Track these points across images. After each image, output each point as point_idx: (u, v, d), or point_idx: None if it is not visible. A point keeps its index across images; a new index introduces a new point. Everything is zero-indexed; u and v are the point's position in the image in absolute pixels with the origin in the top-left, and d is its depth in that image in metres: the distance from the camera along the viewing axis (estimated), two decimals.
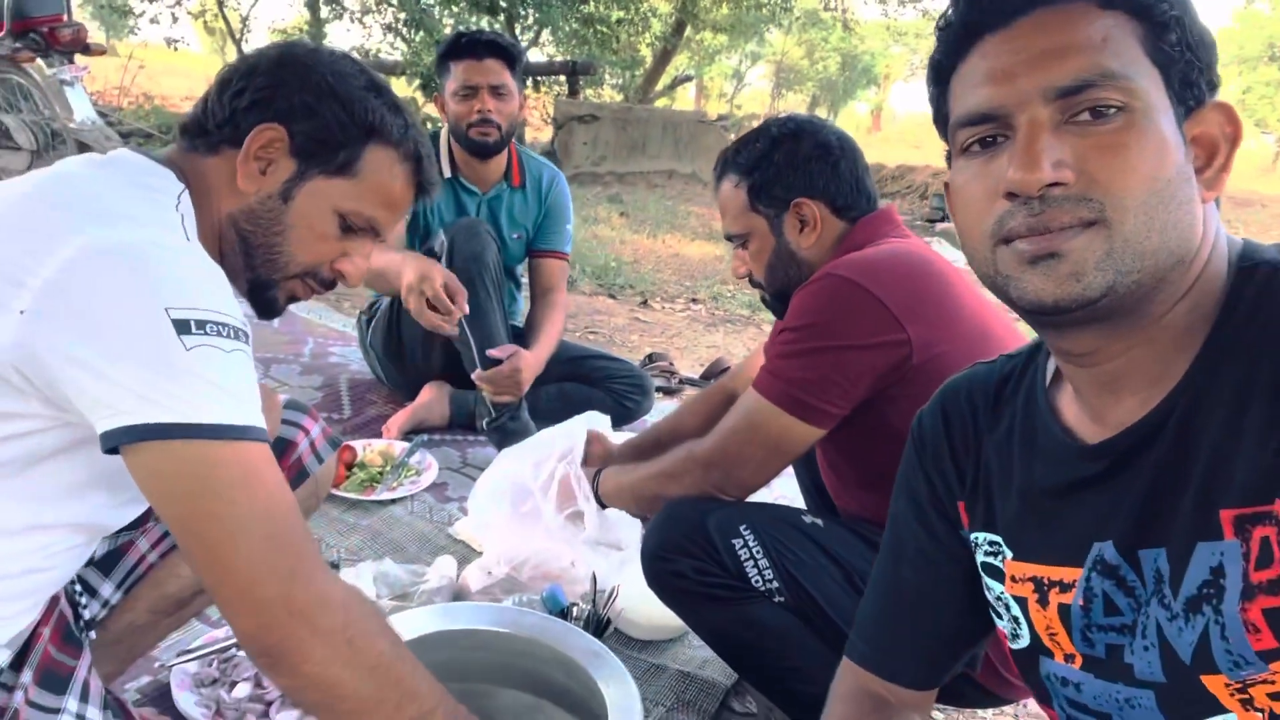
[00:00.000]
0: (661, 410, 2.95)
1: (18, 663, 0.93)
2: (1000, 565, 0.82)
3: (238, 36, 10.89)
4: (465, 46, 2.40)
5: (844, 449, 1.45)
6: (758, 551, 1.33)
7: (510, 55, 2.44)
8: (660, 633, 1.77)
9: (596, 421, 1.92)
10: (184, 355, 0.79)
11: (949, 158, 0.77)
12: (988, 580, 0.84)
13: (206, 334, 0.80)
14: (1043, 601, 0.78)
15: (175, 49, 10.61)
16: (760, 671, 1.44)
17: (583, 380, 2.68)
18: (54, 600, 1.00)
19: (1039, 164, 0.66)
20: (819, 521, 1.40)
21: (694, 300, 5.07)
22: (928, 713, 0.97)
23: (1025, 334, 1.41)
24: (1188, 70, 0.68)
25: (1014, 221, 0.68)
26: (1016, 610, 0.81)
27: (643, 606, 1.67)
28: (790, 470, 1.66)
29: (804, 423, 1.33)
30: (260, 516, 0.81)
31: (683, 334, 4.32)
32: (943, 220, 8.75)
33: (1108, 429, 0.73)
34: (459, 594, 1.76)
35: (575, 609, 1.66)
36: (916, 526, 0.93)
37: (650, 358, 3.44)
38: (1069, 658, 0.77)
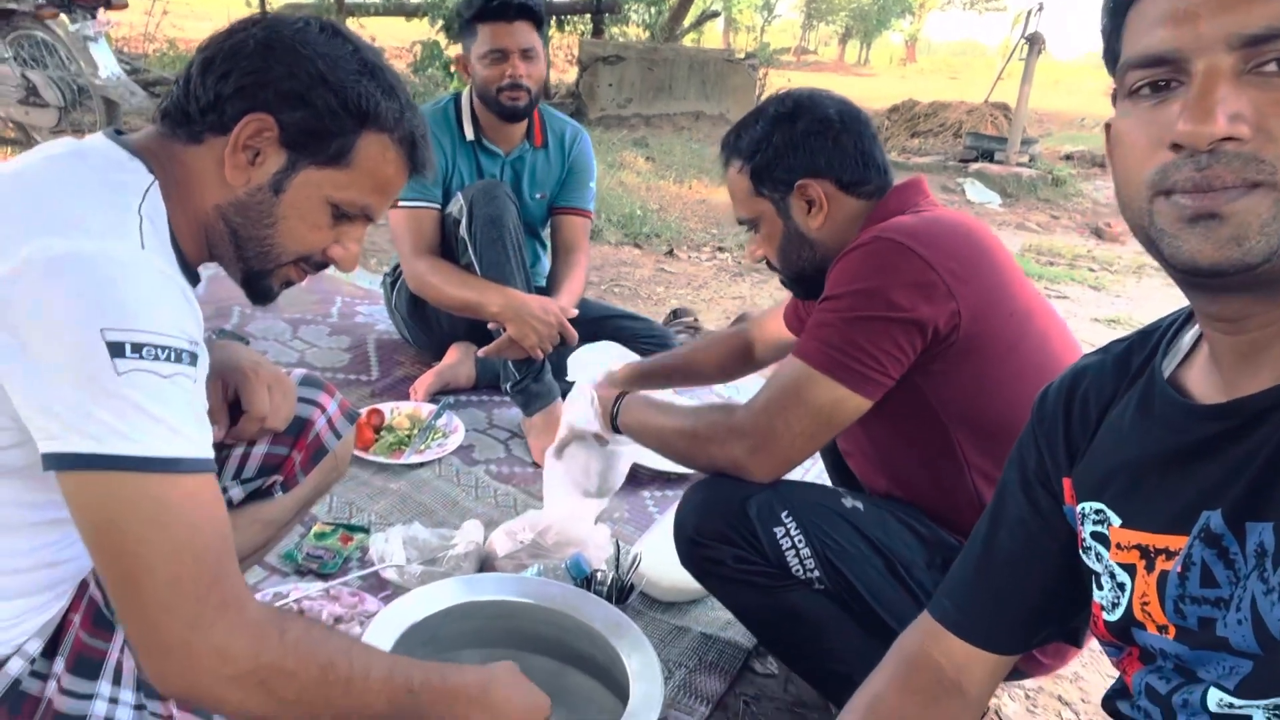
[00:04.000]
0: None
1: (49, 650, 0.95)
2: (1106, 532, 0.82)
3: None
4: (494, 9, 2.36)
5: (874, 426, 1.40)
6: (799, 540, 1.30)
7: (537, 16, 2.41)
8: (683, 594, 1.80)
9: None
10: (114, 380, 0.76)
11: (1114, 97, 0.72)
12: (1097, 549, 0.83)
13: (142, 358, 0.78)
14: (1150, 568, 0.77)
15: None
16: (793, 652, 1.44)
17: (605, 340, 2.69)
18: (83, 585, 1.01)
19: (1213, 116, 0.61)
20: (859, 505, 1.37)
21: (720, 248, 5.03)
22: (982, 701, 0.97)
23: (1066, 320, 1.39)
24: None
25: (1178, 175, 0.64)
26: (1124, 577, 0.80)
27: (666, 569, 1.70)
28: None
29: (855, 392, 1.27)
30: (170, 557, 0.78)
31: (708, 285, 4.30)
32: (975, 160, 8.56)
33: (1237, 396, 0.71)
34: (485, 559, 1.81)
35: (599, 575, 1.69)
36: (1020, 495, 0.93)
37: (675, 314, 3.44)
38: (1161, 629, 0.76)
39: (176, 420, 0.80)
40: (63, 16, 4.37)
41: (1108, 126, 0.74)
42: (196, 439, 0.82)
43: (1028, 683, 1.70)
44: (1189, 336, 0.82)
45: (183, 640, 0.78)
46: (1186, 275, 0.68)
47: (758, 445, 1.32)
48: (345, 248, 1.05)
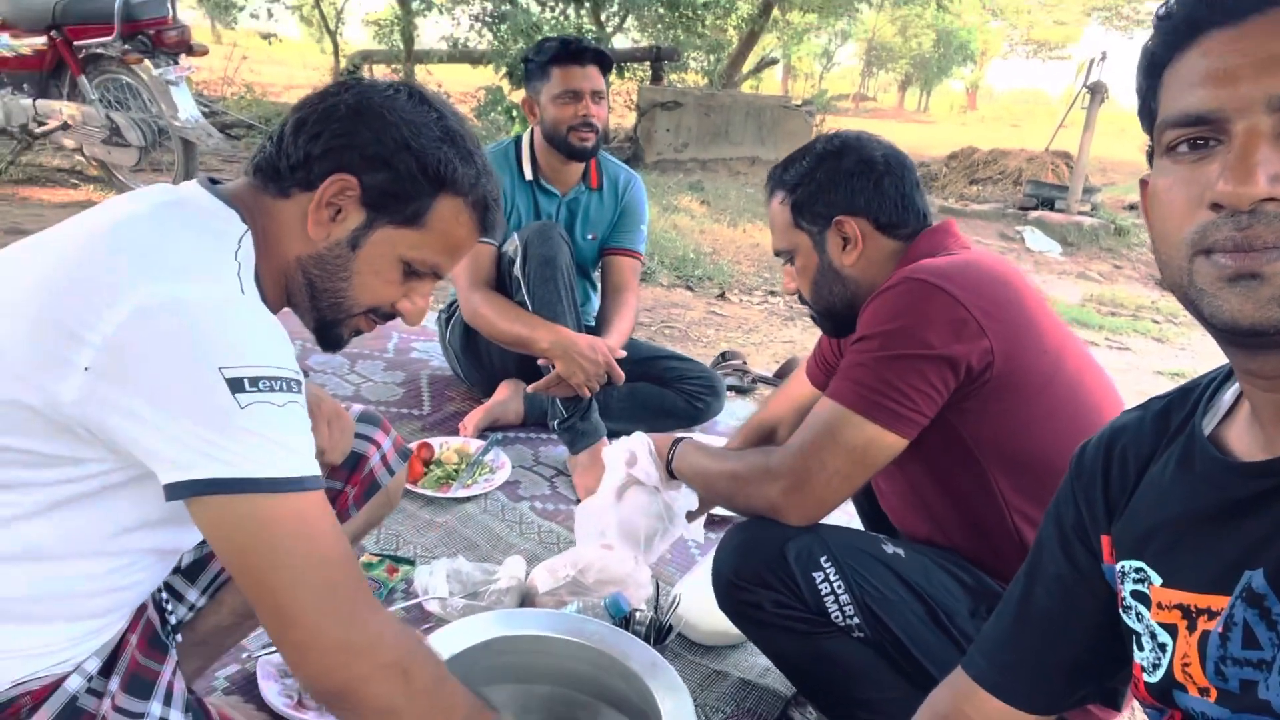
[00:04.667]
0: (733, 411, 2.96)
1: (106, 669, 0.99)
2: (1147, 591, 0.81)
3: (332, 27, 11.21)
4: (571, 54, 2.46)
5: (909, 468, 1.40)
6: (839, 586, 1.29)
7: (608, 62, 2.51)
8: (722, 639, 1.79)
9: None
10: (239, 413, 0.83)
11: (1150, 154, 0.73)
12: (1138, 609, 0.82)
13: (260, 390, 0.84)
14: (1191, 628, 0.76)
15: (270, 43, 10.99)
16: (830, 700, 1.42)
17: (654, 380, 2.71)
18: (141, 607, 1.06)
19: (1254, 177, 0.62)
20: (900, 551, 1.36)
21: (772, 293, 5.03)
22: None
23: (1105, 362, 1.38)
24: None
25: (1217, 234, 0.64)
26: (1165, 638, 0.78)
27: (706, 613, 1.69)
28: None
29: (890, 431, 1.27)
30: (316, 565, 0.86)
31: (759, 329, 4.31)
32: (1035, 208, 8.46)
33: (1278, 453, 0.71)
34: (527, 594, 1.82)
35: (637, 615, 1.69)
36: (1058, 552, 0.92)
37: (723, 356, 3.45)
38: (1203, 691, 0.74)
39: (295, 443, 0.88)
40: (147, 61, 4.59)
41: (1143, 183, 0.74)
42: (312, 459, 0.89)
43: None
44: (1229, 394, 0.81)
45: (344, 638, 0.86)
46: (1226, 334, 0.68)
47: (793, 486, 1.32)
48: (413, 302, 1.11)
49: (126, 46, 4.56)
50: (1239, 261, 0.64)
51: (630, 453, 1.68)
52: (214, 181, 1.05)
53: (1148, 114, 0.73)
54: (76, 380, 0.82)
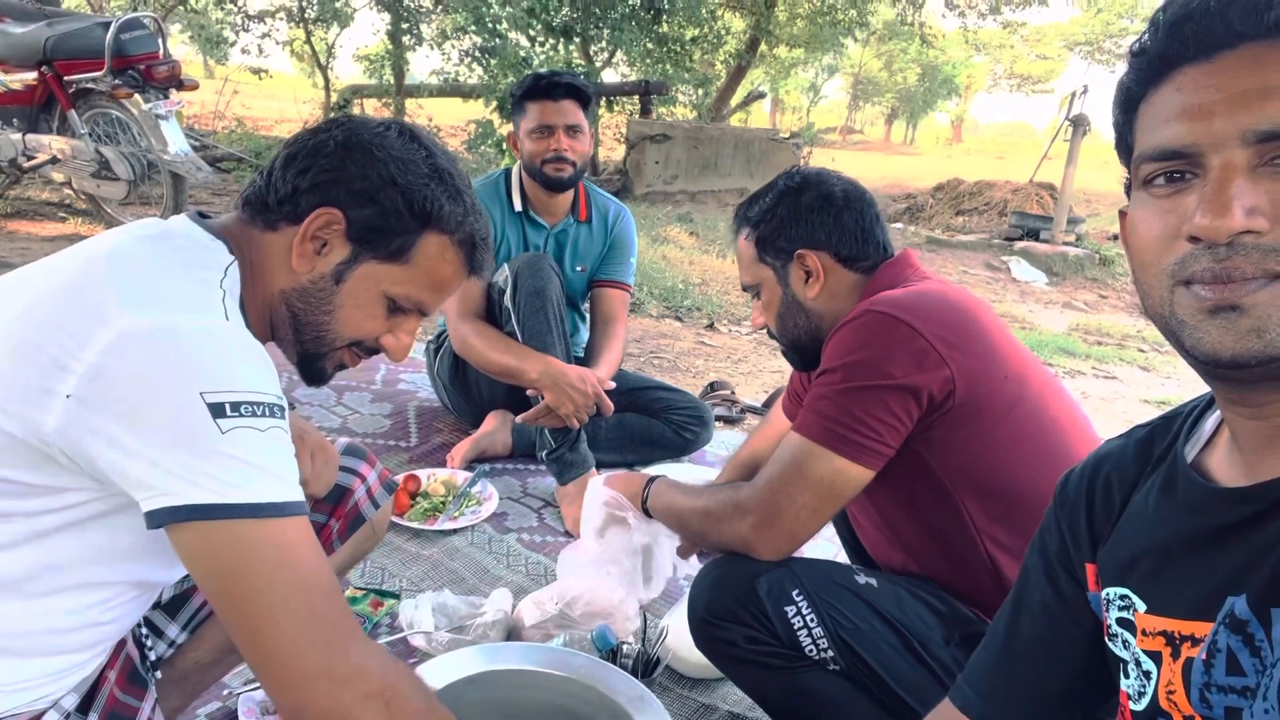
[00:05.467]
0: (722, 440, 2.96)
1: (85, 706, 0.98)
2: (1132, 618, 0.81)
3: (324, 62, 11.30)
4: (543, 89, 2.48)
5: (880, 499, 1.42)
6: (811, 620, 1.29)
7: (584, 96, 2.51)
8: (711, 671, 1.77)
9: None
10: (220, 439, 0.82)
11: (1128, 188, 0.74)
12: (1124, 636, 0.82)
13: (242, 415, 0.83)
14: (1175, 655, 0.76)
15: (261, 79, 11.06)
16: None
17: (642, 411, 2.71)
18: (121, 643, 1.04)
19: (1230, 210, 0.63)
20: (873, 581, 1.36)
21: None
22: None
23: (1093, 392, 1.39)
24: None
25: (1196, 266, 0.65)
26: (1150, 665, 0.78)
27: (694, 645, 1.68)
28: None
29: (855, 463, 1.29)
30: (298, 592, 0.84)
31: (747, 359, 4.31)
32: (1021, 239, 8.54)
33: (1260, 480, 0.71)
34: (513, 628, 1.80)
35: (625, 647, 1.68)
36: (1044, 581, 0.92)
37: (711, 386, 3.45)
38: (1188, 719, 0.74)
39: (278, 469, 0.86)
40: (137, 96, 4.61)
41: (1122, 214, 0.75)
42: (295, 484, 0.88)
43: None
44: (1211, 421, 0.81)
45: (325, 665, 0.84)
46: (1208, 366, 0.68)
47: (762, 522, 1.33)
48: (397, 338, 1.11)
49: (117, 81, 4.58)
50: (1218, 294, 0.64)
51: (609, 495, 1.68)
52: (203, 215, 1.06)
53: (1125, 148, 0.74)
54: (58, 407, 0.81)
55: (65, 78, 4.74)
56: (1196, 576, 0.74)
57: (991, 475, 1.31)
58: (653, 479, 1.65)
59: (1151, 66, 0.70)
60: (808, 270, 1.48)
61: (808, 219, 1.48)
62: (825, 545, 2.18)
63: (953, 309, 1.35)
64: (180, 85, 4.78)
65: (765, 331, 1.60)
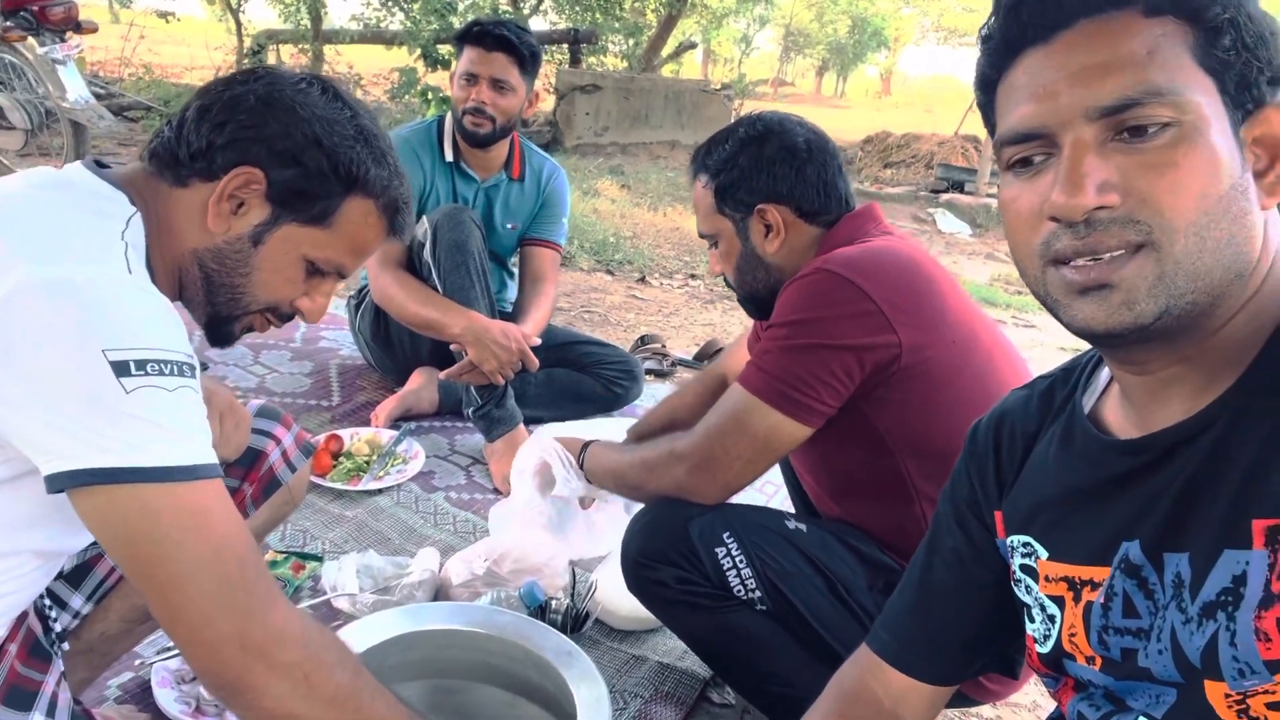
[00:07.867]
0: (654, 394, 2.96)
1: None
2: (1034, 565, 0.83)
3: (235, 5, 10.79)
4: (475, 35, 2.40)
5: (823, 452, 1.43)
6: (740, 560, 1.32)
7: (519, 53, 2.41)
8: (641, 623, 1.78)
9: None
10: (124, 398, 0.78)
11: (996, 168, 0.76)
12: (1027, 582, 0.85)
13: (148, 373, 0.79)
14: (1076, 599, 0.78)
15: (169, 22, 10.53)
16: (739, 674, 1.44)
17: (571, 366, 2.69)
18: (22, 616, 1.00)
19: (1082, 188, 0.64)
20: (802, 527, 1.39)
21: (692, 276, 5.04)
22: None
23: (1012, 339, 1.41)
24: (1245, 72, 0.64)
25: (1060, 244, 0.67)
26: (1053, 609, 0.81)
27: (623, 597, 1.68)
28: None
29: (793, 420, 1.30)
30: (210, 557, 0.81)
31: (679, 312, 4.31)
32: (946, 191, 8.68)
33: (1150, 430, 0.73)
34: (441, 588, 1.78)
35: (554, 603, 1.67)
36: (955, 527, 0.94)
37: (643, 339, 3.44)
38: (1089, 660, 0.77)
39: (188, 430, 0.83)
40: (31, 39, 4.35)
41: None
42: (207, 446, 0.85)
43: (985, 710, 1.70)
44: (1106, 372, 0.83)
45: (239, 630, 0.81)
46: (1085, 338, 0.70)
47: (698, 467, 1.35)
48: (313, 300, 1.08)
49: (8, 23, 4.33)
50: (1087, 275, 0.67)
51: (540, 461, 1.66)
52: (102, 165, 1.00)
53: (991, 128, 0.75)
54: None
55: None
56: (1094, 524, 0.77)
57: (932, 436, 1.32)
58: (588, 444, 1.64)
59: (999, 52, 0.71)
60: (768, 225, 1.45)
61: (769, 171, 1.43)
62: (754, 495, 2.21)
63: (904, 270, 1.34)
64: (78, 28, 4.54)
65: (722, 280, 1.58)
